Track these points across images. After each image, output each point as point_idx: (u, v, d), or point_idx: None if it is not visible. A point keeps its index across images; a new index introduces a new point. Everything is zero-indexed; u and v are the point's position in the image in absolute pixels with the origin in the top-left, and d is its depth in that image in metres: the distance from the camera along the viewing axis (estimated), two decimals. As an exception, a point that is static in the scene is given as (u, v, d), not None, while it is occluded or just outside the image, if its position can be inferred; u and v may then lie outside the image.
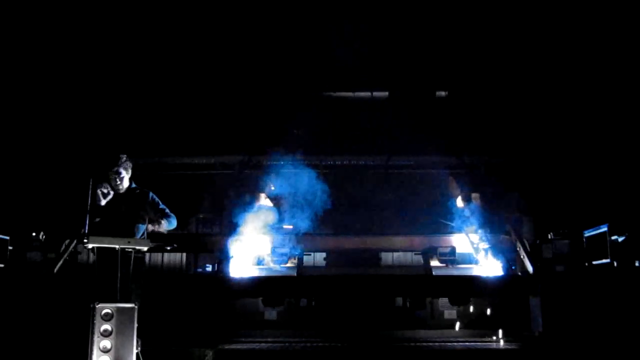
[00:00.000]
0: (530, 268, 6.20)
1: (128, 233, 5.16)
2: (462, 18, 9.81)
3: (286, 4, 10.00)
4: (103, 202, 5.14)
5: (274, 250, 6.92)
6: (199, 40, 9.99)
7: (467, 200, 7.47)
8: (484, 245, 6.78)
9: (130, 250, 4.71)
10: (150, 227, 5.38)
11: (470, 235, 6.98)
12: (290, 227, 7.64)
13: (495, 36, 9.74)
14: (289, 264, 6.93)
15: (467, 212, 7.27)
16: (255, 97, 9.75)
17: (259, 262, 7.04)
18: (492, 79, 9.66)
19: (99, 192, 5.01)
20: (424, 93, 9.81)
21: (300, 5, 9.93)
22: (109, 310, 4.33)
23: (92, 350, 4.27)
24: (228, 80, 9.95)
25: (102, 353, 4.29)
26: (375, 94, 10.31)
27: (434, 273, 6.70)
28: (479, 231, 6.93)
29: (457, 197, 7.67)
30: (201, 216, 9.18)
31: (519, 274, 6.47)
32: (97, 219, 5.17)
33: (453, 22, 9.79)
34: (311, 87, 10.21)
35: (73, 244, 6.41)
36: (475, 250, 6.80)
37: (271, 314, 6.77)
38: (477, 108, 9.20)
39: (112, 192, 5.21)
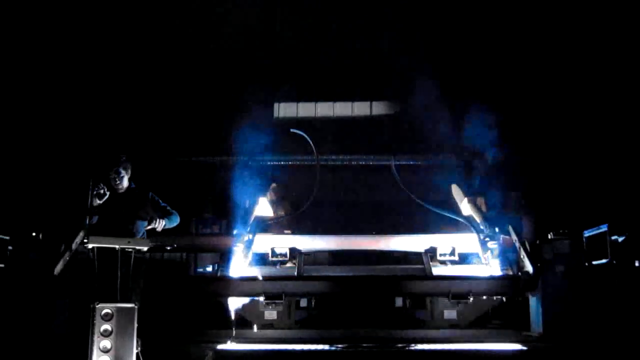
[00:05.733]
0: (530, 268, 6.19)
1: (128, 233, 5.18)
2: (461, 24, 9.84)
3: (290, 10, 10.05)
4: (98, 203, 5.15)
5: (273, 250, 6.91)
6: (202, 39, 10.01)
7: (473, 203, 7.44)
8: (492, 244, 6.75)
9: (130, 250, 4.72)
10: (151, 227, 5.39)
11: (480, 235, 6.96)
12: (289, 231, 7.65)
13: (491, 36, 9.74)
14: (289, 264, 6.92)
15: (473, 216, 7.24)
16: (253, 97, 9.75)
17: (259, 262, 7.03)
18: (492, 81, 9.66)
19: (94, 193, 5.02)
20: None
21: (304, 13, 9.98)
22: (109, 310, 4.34)
23: (92, 350, 4.27)
24: (227, 80, 9.96)
25: (102, 353, 4.30)
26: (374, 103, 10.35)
27: (434, 273, 6.69)
28: (487, 230, 6.91)
29: (461, 201, 7.64)
30: (201, 216, 9.20)
31: (519, 274, 6.46)
32: (95, 220, 5.18)
33: (452, 28, 9.81)
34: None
35: (73, 244, 6.40)
36: (483, 249, 6.77)
37: (271, 314, 6.76)
38: (477, 109, 9.20)
39: (108, 193, 5.22)
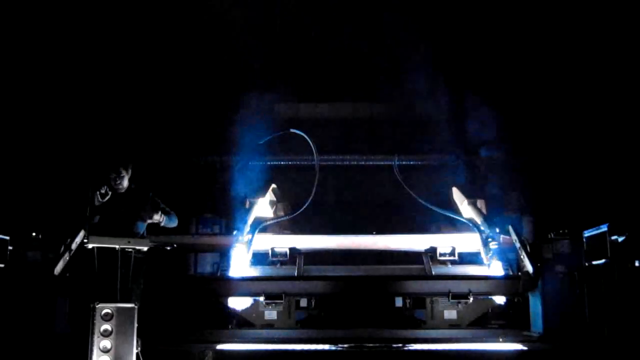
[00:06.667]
0: (530, 268, 6.20)
1: (128, 233, 5.18)
2: (462, 24, 9.83)
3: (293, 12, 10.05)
4: (100, 202, 5.17)
5: (274, 250, 6.91)
6: (202, 39, 10.00)
7: (473, 206, 7.44)
8: (493, 244, 6.75)
9: (130, 250, 4.73)
10: (150, 220, 5.40)
11: (482, 235, 6.95)
12: (289, 232, 7.65)
13: (492, 37, 9.74)
14: (289, 264, 6.92)
15: (474, 218, 7.23)
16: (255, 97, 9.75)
17: (259, 262, 7.03)
18: (492, 81, 9.66)
19: (96, 193, 5.04)
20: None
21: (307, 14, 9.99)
22: (109, 310, 4.34)
23: (92, 350, 4.28)
24: (227, 80, 9.96)
25: (102, 353, 4.30)
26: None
27: (433, 273, 6.69)
28: (487, 231, 6.90)
29: (461, 204, 7.64)
30: (201, 216, 9.20)
31: (519, 274, 6.46)
32: (96, 219, 5.19)
33: (453, 28, 9.80)
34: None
35: (73, 244, 6.41)
36: (485, 250, 6.77)
37: (271, 314, 6.77)
38: (478, 109, 9.21)
39: (110, 193, 5.22)
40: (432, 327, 6.74)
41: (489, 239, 6.82)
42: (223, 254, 7.00)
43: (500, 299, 6.63)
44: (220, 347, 5.79)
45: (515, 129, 9.29)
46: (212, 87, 9.99)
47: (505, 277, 6.48)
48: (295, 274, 6.67)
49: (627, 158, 8.86)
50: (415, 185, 8.32)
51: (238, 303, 6.59)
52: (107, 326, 4.31)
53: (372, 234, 7.57)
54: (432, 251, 6.97)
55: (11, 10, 9.05)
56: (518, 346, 5.85)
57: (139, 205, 5.54)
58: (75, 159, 8.87)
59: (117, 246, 4.61)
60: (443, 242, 7.07)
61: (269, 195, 7.81)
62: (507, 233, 6.80)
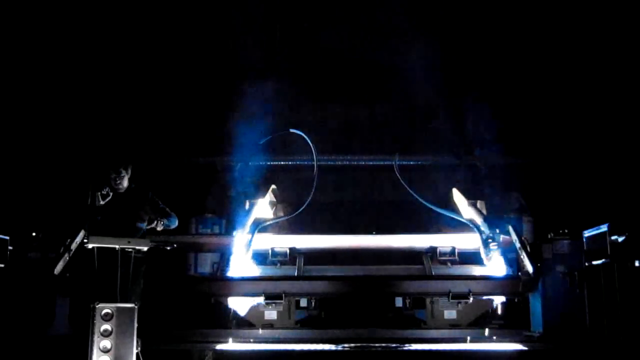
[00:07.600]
0: (530, 268, 6.20)
1: (128, 233, 5.19)
2: (463, 25, 9.83)
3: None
4: (102, 203, 5.17)
5: (273, 250, 6.91)
6: (201, 39, 10.01)
7: (473, 207, 7.43)
8: (493, 245, 6.74)
9: (130, 250, 4.73)
10: (151, 226, 5.41)
11: (482, 235, 6.94)
12: (289, 232, 7.64)
13: (492, 38, 9.74)
14: (289, 264, 6.92)
15: (474, 218, 7.22)
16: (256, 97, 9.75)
17: (259, 262, 7.03)
18: (492, 82, 9.66)
19: (98, 194, 5.04)
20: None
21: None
22: (109, 310, 4.35)
23: (92, 350, 4.28)
24: (227, 80, 9.96)
25: (102, 353, 4.30)
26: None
27: (433, 273, 6.69)
28: (488, 232, 6.90)
29: (462, 205, 7.63)
30: (201, 216, 9.20)
31: (519, 274, 6.46)
32: (98, 218, 5.20)
33: (454, 29, 9.80)
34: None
35: (73, 244, 6.41)
36: (485, 250, 6.77)
37: (271, 314, 6.76)
38: (478, 109, 9.21)
39: (111, 194, 5.23)
40: (432, 327, 6.74)
41: (489, 240, 6.81)
42: (223, 254, 7.00)
43: (500, 299, 6.63)
44: (220, 347, 5.79)
45: (515, 129, 9.29)
46: (212, 87, 9.99)
47: (505, 278, 6.48)
48: (295, 274, 6.67)
49: (627, 158, 8.86)
50: (415, 185, 8.30)
51: (238, 303, 6.58)
52: (107, 326, 4.32)
53: (372, 234, 7.57)
54: (432, 251, 6.97)
55: (11, 10, 9.06)
56: (518, 346, 5.84)
57: (139, 205, 5.55)
58: (76, 159, 8.88)
59: (117, 246, 4.61)
60: (443, 242, 7.06)
61: (269, 196, 7.81)
62: (507, 233, 6.79)
